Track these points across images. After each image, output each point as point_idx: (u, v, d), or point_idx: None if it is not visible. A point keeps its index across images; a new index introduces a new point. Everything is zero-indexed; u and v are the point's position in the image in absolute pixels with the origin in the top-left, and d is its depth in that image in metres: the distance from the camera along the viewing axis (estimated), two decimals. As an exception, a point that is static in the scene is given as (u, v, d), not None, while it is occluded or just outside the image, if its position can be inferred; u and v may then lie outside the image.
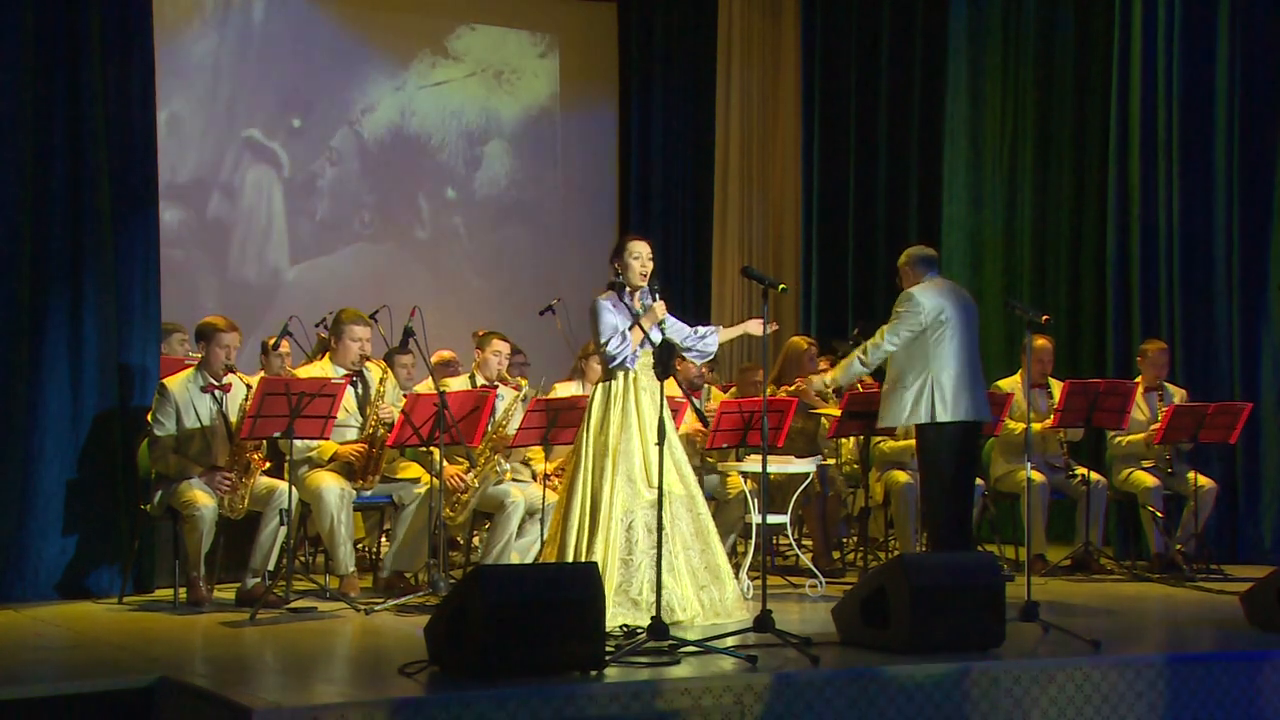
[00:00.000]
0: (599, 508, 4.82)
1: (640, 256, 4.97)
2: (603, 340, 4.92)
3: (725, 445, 6.18)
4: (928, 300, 5.61)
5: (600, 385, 5.00)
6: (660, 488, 4.50)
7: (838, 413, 6.54)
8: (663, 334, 4.92)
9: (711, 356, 5.37)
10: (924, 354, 5.58)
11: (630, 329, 4.93)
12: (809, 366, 6.88)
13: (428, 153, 10.34)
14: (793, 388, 6.67)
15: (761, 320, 4.91)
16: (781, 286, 4.78)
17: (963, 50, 8.97)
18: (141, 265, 5.93)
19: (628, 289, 4.99)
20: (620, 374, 4.95)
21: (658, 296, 4.96)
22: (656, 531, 4.52)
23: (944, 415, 5.54)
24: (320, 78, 9.90)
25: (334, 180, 9.98)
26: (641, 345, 4.96)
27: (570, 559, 4.83)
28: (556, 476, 6.22)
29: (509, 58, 10.64)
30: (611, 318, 4.93)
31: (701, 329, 5.16)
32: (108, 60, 5.80)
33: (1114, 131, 7.84)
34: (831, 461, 6.87)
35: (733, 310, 10.27)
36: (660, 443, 4.56)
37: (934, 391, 5.54)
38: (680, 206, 10.99)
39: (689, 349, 5.16)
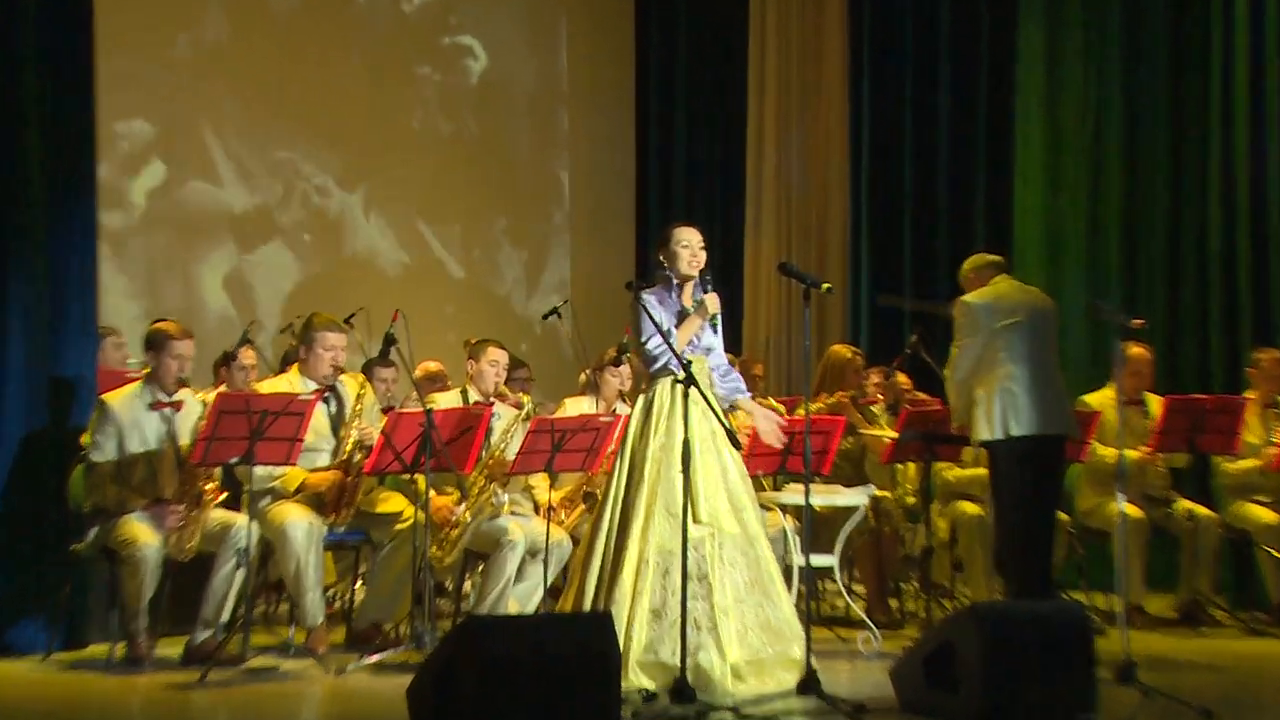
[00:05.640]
0: (626, 545, 4.75)
1: (690, 245, 5.07)
2: (644, 338, 4.93)
3: (761, 472, 6.16)
4: (983, 303, 5.73)
5: (641, 397, 5.00)
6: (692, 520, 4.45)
7: (893, 434, 6.51)
8: (717, 330, 4.97)
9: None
10: (989, 361, 5.65)
11: (678, 326, 4.96)
12: (854, 380, 6.90)
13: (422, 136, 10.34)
14: (833, 400, 6.65)
15: (777, 430, 5.18)
16: (825, 286, 4.78)
17: (1037, 7, 8.91)
18: (78, 263, 5.94)
19: (676, 282, 5.05)
20: (665, 382, 4.93)
21: (709, 288, 5.01)
22: (705, 575, 4.54)
23: (1016, 428, 5.55)
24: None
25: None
26: (692, 348, 4.96)
27: (589, 609, 4.74)
28: (564, 509, 6.25)
29: (513, 28, 10.64)
30: (656, 314, 4.95)
31: (736, 377, 5.21)
32: (41, 29, 5.83)
33: (1216, 102, 7.82)
34: (887, 494, 6.80)
35: (768, 315, 10.24)
36: (686, 466, 4.53)
37: (1003, 401, 5.58)
38: (706, 193, 10.97)
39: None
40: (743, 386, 5.23)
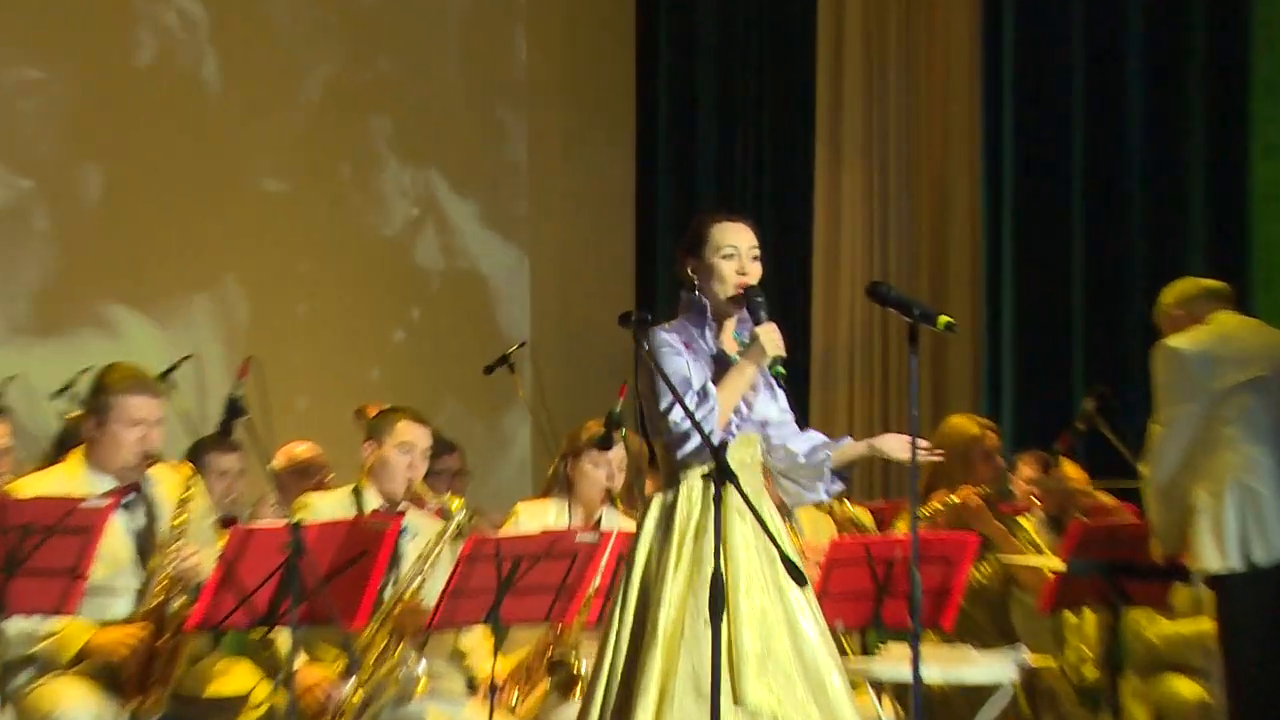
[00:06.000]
0: None
1: (737, 251, 5.06)
2: (663, 407, 4.95)
3: (842, 626, 6.20)
4: (1200, 350, 6.00)
5: (656, 502, 5.06)
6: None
7: (1058, 564, 6.60)
8: (782, 387, 5.00)
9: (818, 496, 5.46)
10: (1214, 443, 5.88)
11: (719, 383, 4.97)
12: (988, 470, 7.06)
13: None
14: (956, 500, 6.83)
15: (908, 439, 5.16)
16: (944, 321, 4.96)
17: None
18: None
19: (710, 312, 5.07)
20: (694, 478, 4.95)
21: (765, 316, 4.99)
22: None
23: (1262, 552, 5.78)
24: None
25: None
26: (739, 421, 5.02)
27: None
28: (517, 687, 6.31)
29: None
30: (682, 365, 4.98)
31: (814, 438, 5.22)
32: None
33: None
34: (1049, 661, 6.90)
35: (849, 366, 10.38)
36: (717, 614, 4.50)
37: (1241, 508, 5.79)
38: (750, 172, 11.13)
39: (784, 471, 5.24)
40: (828, 440, 5.22)
